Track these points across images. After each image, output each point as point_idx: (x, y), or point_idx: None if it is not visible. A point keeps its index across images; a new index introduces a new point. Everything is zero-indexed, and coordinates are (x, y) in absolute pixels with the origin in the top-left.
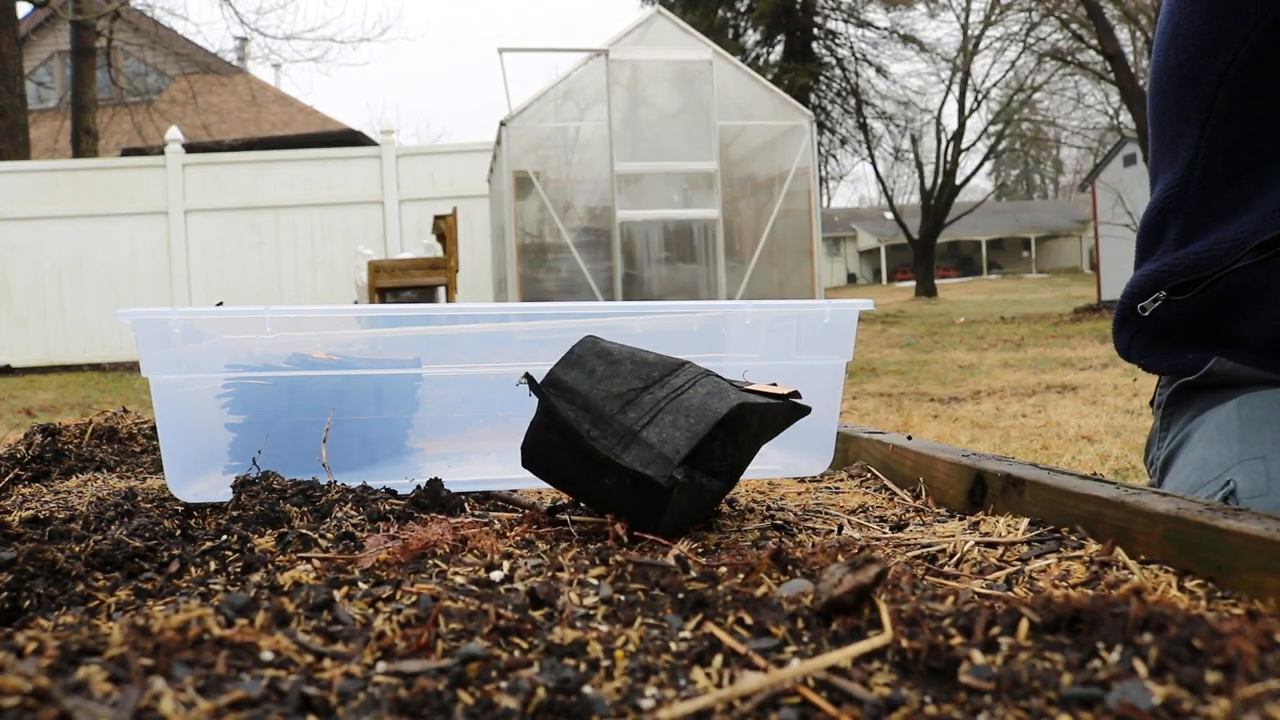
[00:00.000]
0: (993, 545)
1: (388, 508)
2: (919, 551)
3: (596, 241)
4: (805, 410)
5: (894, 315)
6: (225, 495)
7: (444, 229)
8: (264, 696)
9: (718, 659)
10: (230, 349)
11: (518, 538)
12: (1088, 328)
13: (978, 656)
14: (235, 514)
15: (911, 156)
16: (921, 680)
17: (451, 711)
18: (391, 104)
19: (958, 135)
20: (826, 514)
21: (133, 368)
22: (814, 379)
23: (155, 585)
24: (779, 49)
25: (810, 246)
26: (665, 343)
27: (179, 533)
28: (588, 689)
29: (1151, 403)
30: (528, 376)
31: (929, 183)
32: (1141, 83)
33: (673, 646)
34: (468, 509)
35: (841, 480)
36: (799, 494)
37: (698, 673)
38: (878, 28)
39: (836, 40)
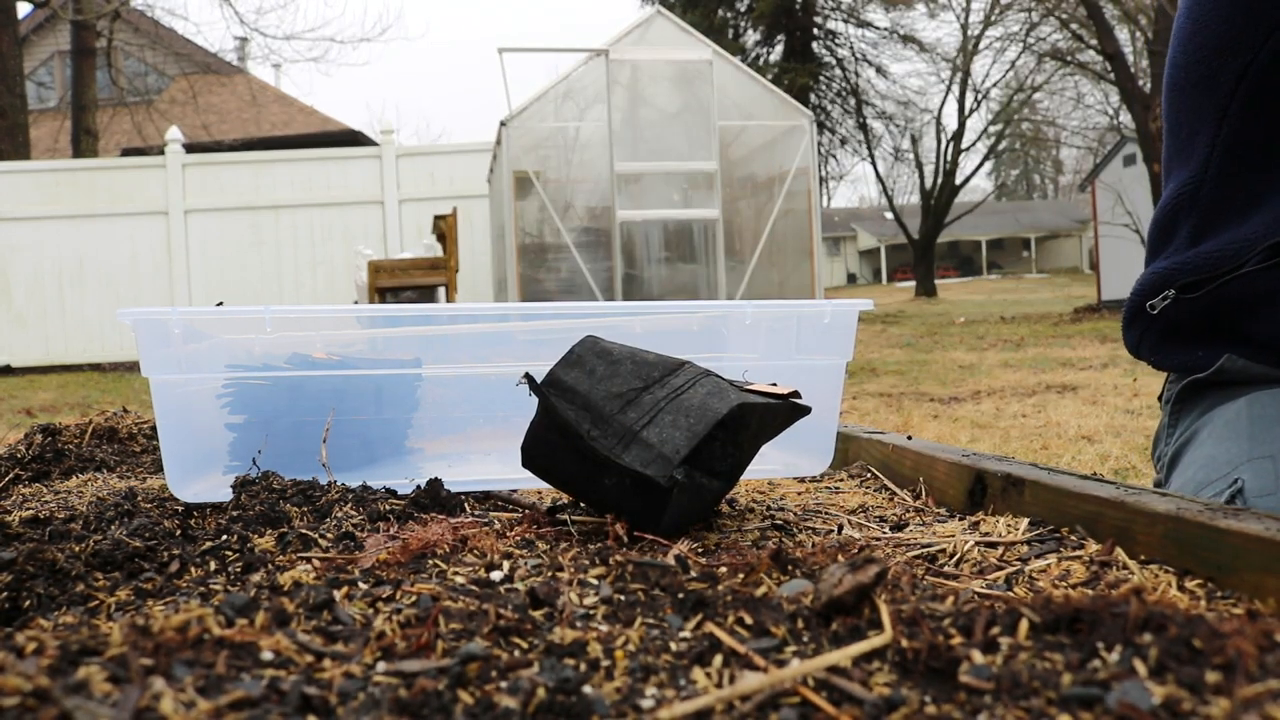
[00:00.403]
0: (993, 545)
1: (388, 508)
2: (919, 551)
3: (596, 241)
4: (805, 410)
5: (894, 315)
6: (225, 495)
7: (444, 229)
8: (264, 696)
9: (718, 659)
10: (230, 349)
11: (518, 538)
12: (1088, 328)
13: (978, 656)
14: (235, 514)
15: (911, 156)
16: (921, 680)
17: (451, 711)
18: (391, 104)
19: (958, 135)
20: (826, 514)
21: (133, 368)
22: (814, 379)
23: (155, 585)
24: (779, 49)
25: (810, 246)
26: (665, 343)
27: (179, 533)
28: (588, 689)
29: (1160, 398)
30: (528, 376)
31: (929, 183)
32: (1141, 83)
33: (673, 646)
34: (468, 509)
35: (841, 480)
36: (799, 494)
37: (698, 673)
38: (878, 28)
39: (836, 40)
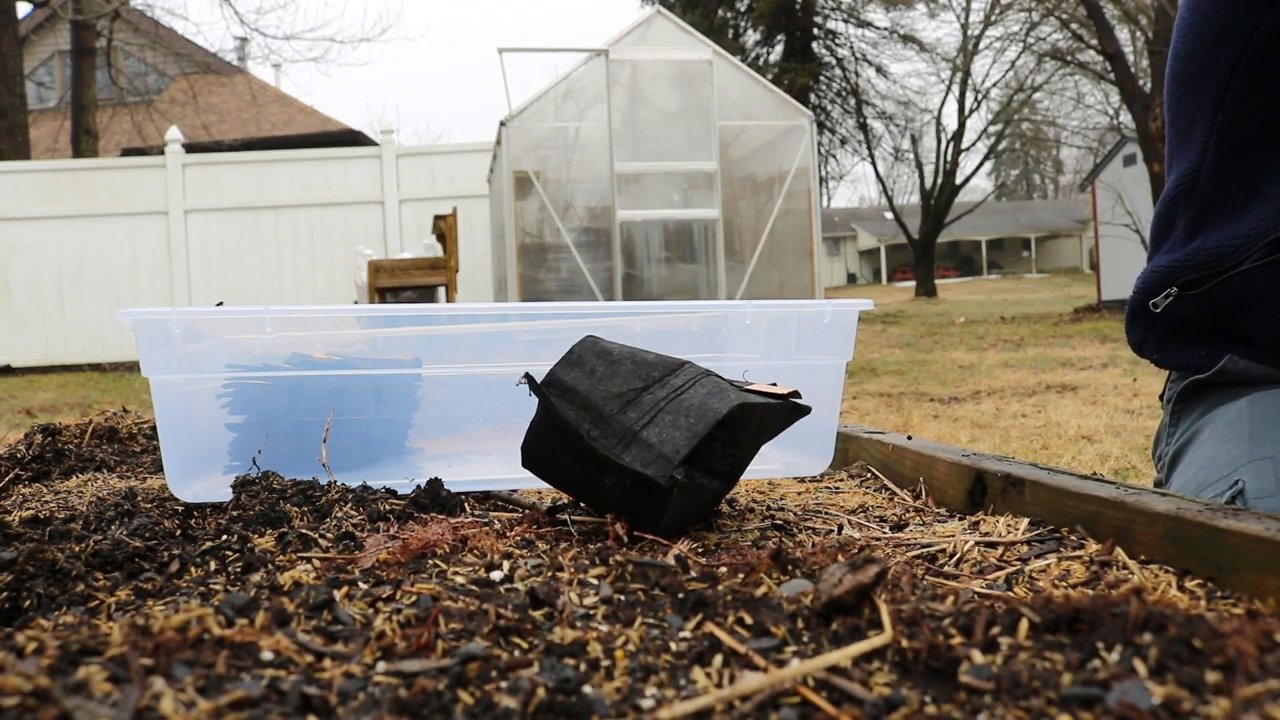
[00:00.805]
0: (993, 545)
1: (388, 508)
2: (919, 551)
3: (596, 241)
4: (805, 410)
5: (894, 315)
6: (225, 495)
7: (444, 229)
8: (264, 696)
9: (718, 659)
10: (230, 349)
11: (518, 538)
12: (1088, 328)
13: (978, 656)
14: (235, 514)
15: (911, 156)
16: (921, 680)
17: (451, 711)
18: (391, 104)
19: (958, 135)
20: (826, 514)
21: (133, 368)
22: (814, 379)
23: (155, 585)
24: (779, 49)
25: (810, 246)
26: (665, 343)
27: (179, 533)
28: (588, 689)
29: (1161, 396)
30: (528, 376)
31: (929, 183)
32: (1141, 83)
33: (673, 646)
34: (468, 509)
35: (841, 480)
36: (799, 494)
37: (698, 673)
38: (878, 28)
39: (836, 40)
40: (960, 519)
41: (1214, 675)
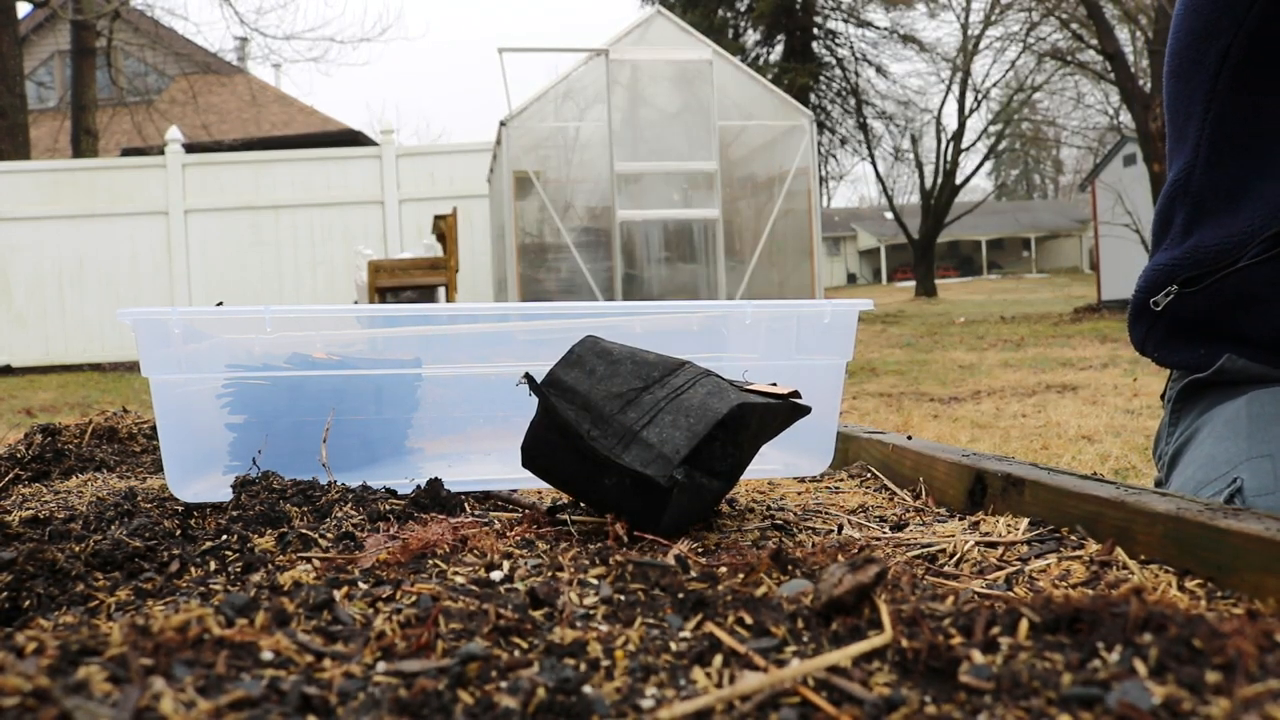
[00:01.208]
0: (993, 545)
1: (388, 508)
2: (919, 551)
3: (596, 241)
4: (805, 410)
5: (894, 315)
6: (225, 495)
7: (444, 229)
8: (264, 696)
9: (718, 659)
10: (230, 349)
11: (518, 538)
12: (1088, 328)
13: (978, 656)
14: (235, 514)
15: (911, 156)
16: (921, 680)
17: (451, 711)
18: (391, 104)
19: (958, 135)
20: (826, 514)
21: (133, 368)
22: (814, 379)
23: (155, 585)
24: (779, 49)
25: (810, 246)
26: (665, 343)
27: (179, 533)
28: (588, 689)
29: (1162, 396)
30: (528, 376)
31: (929, 183)
32: (1141, 83)
33: (673, 646)
34: (468, 509)
35: (841, 480)
36: (799, 494)
37: (698, 673)
38: (878, 28)
39: (836, 40)
40: (960, 519)
41: (1214, 675)
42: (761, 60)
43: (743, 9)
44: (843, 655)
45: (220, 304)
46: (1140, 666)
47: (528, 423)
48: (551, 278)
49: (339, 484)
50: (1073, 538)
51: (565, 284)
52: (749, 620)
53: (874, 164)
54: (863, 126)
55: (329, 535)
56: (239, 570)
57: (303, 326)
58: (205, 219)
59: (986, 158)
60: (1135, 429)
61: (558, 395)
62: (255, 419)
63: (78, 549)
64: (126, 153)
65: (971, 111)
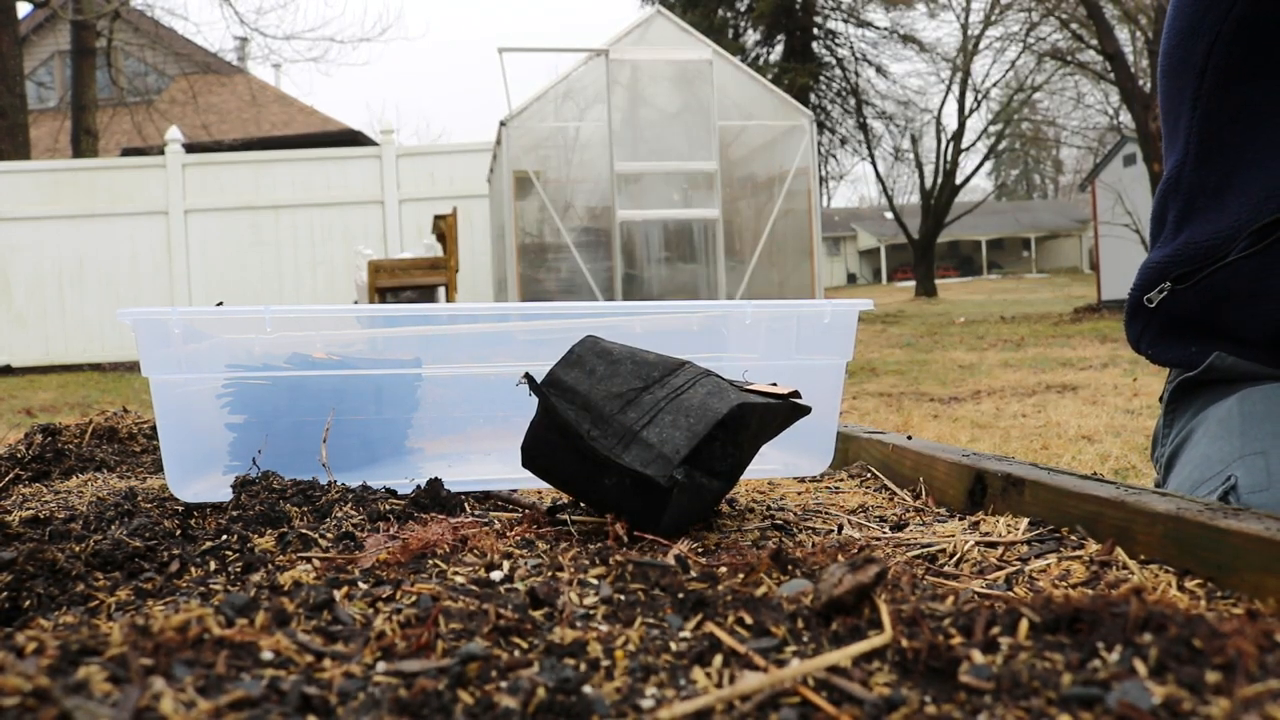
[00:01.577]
0: (993, 545)
1: (388, 508)
2: (919, 551)
3: (596, 241)
4: (805, 410)
5: (894, 315)
6: (225, 495)
7: (444, 229)
8: (264, 696)
9: (718, 659)
10: (230, 349)
11: (518, 538)
12: (1088, 328)
13: (978, 656)
14: (235, 514)
15: (911, 156)
16: (921, 680)
17: (451, 711)
18: (391, 104)
19: (958, 135)
20: (826, 514)
21: (133, 368)
22: (814, 379)
23: (155, 585)
24: (779, 49)
25: (810, 246)
26: (665, 343)
27: (179, 533)
28: (588, 689)
29: (1161, 398)
30: (528, 376)
31: (929, 183)
32: (1141, 83)
33: (673, 646)
34: (468, 509)
35: (841, 480)
36: (799, 494)
37: (698, 672)
38: (878, 28)
39: (836, 40)
40: (960, 519)
41: (1214, 675)
42: (761, 60)
43: (743, 9)
44: (843, 655)
45: (220, 304)
46: (1140, 666)
47: (528, 423)
48: (551, 278)
49: (339, 484)
50: (1073, 538)
51: (565, 284)
52: (749, 620)
53: (874, 164)
54: (863, 126)
55: (329, 535)
56: (239, 570)
57: (303, 326)
58: (205, 219)
59: (986, 158)
60: (1135, 429)
61: (558, 395)
62: (255, 419)
63: (78, 549)
64: (126, 153)
65: (971, 111)
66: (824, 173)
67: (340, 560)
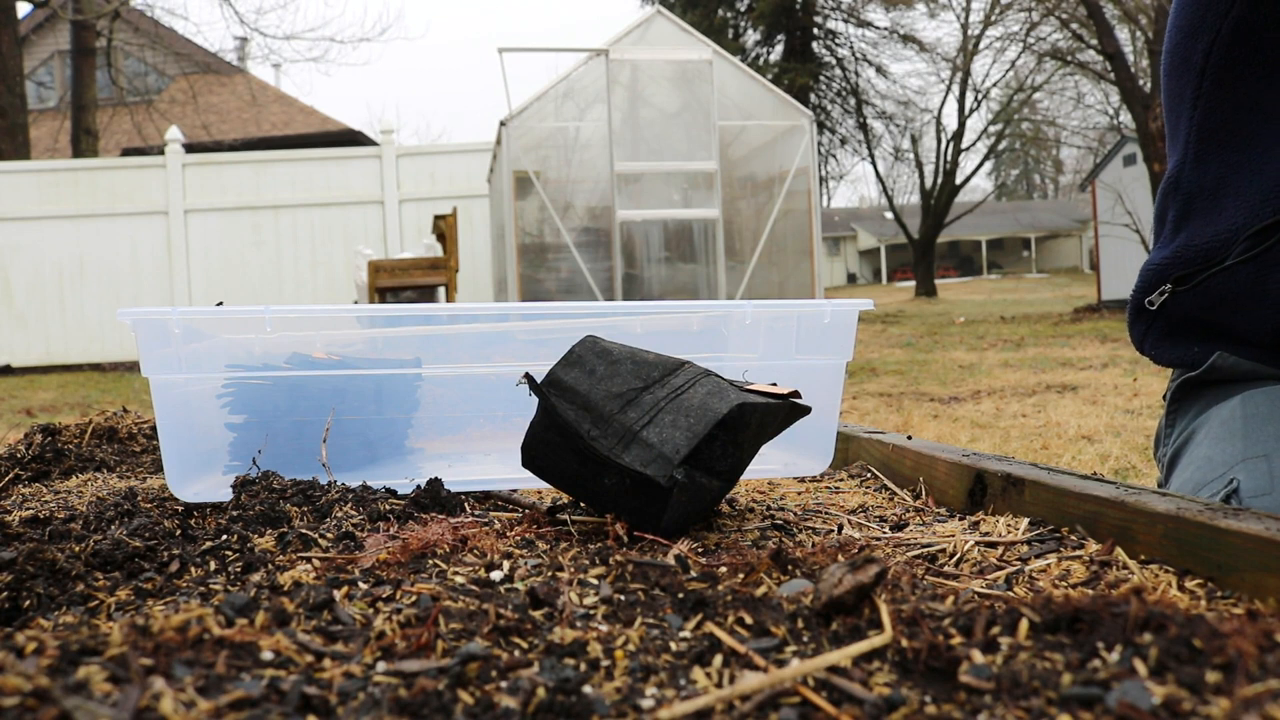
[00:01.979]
0: (993, 545)
1: (388, 508)
2: (919, 551)
3: (596, 241)
4: (805, 410)
5: (894, 315)
6: (225, 495)
7: (444, 229)
8: (264, 696)
9: (718, 659)
10: (230, 349)
11: (518, 538)
12: (1088, 328)
13: (978, 656)
14: (235, 514)
15: (911, 156)
16: (921, 680)
17: (451, 711)
18: (391, 104)
19: (958, 135)
20: (826, 514)
21: (133, 368)
22: (814, 379)
23: (155, 585)
24: (779, 49)
25: (810, 246)
26: (665, 343)
27: (179, 533)
28: (588, 689)
29: (1164, 397)
30: (528, 376)
31: (929, 183)
32: (1141, 82)
33: (673, 646)
34: (468, 509)
35: (841, 480)
36: (799, 494)
37: (698, 672)
38: (878, 28)
39: (836, 40)
40: (960, 519)
41: (1214, 675)
42: (761, 60)
43: (743, 9)
44: (843, 655)
45: (220, 304)
46: (1140, 666)
47: (528, 423)
48: (551, 278)
49: (339, 484)
50: (1073, 538)
51: (565, 284)
52: (749, 620)
53: (874, 164)
54: (863, 126)
55: (329, 535)
56: (239, 570)
57: (303, 326)
58: (205, 219)
59: (986, 158)
60: (1135, 429)
61: (558, 395)
62: (255, 419)
63: (78, 549)
64: (126, 153)
65: (971, 111)
66: (824, 173)
67: (340, 560)
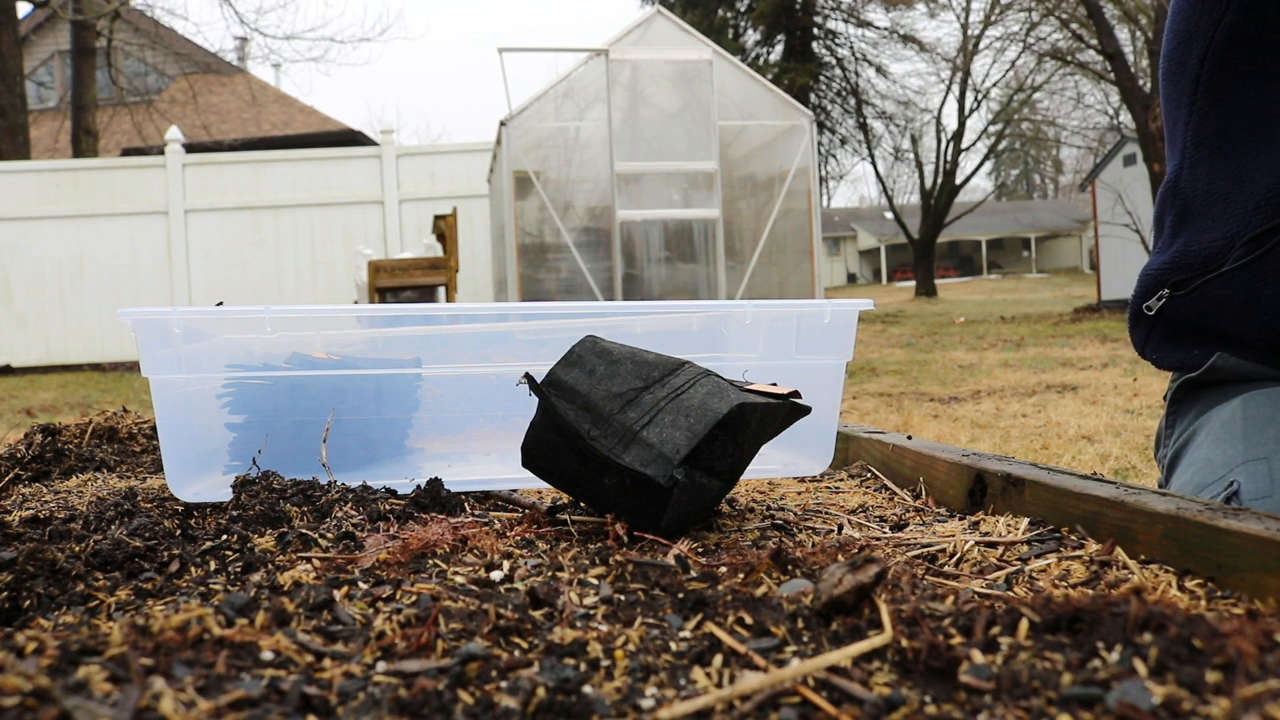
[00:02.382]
0: (993, 545)
1: (388, 507)
2: (919, 551)
3: (596, 241)
4: (805, 410)
5: (894, 315)
6: (225, 495)
7: (444, 229)
8: (264, 696)
9: (718, 659)
10: (230, 349)
11: (518, 538)
12: (1088, 328)
13: (978, 656)
14: (235, 514)
15: (911, 156)
16: (921, 680)
17: (451, 711)
18: (391, 104)
19: (958, 135)
20: (826, 514)
21: (133, 368)
22: (814, 379)
23: (155, 585)
24: (779, 49)
25: (810, 246)
26: (665, 343)
27: (179, 533)
28: (588, 689)
29: (1165, 397)
30: (528, 376)
31: (929, 183)
32: (1141, 82)
33: (673, 646)
34: (468, 509)
35: (841, 480)
36: (799, 494)
37: (698, 672)
38: (878, 27)
39: (836, 40)
40: (960, 519)
41: (1214, 675)
42: (761, 60)
43: (743, 9)
44: (843, 655)
45: (220, 304)
46: (1140, 666)
47: (528, 423)
48: (551, 278)
49: (339, 484)
50: (1073, 538)
51: (565, 284)
52: (749, 620)
53: (874, 164)
54: (863, 126)
55: (329, 535)
56: (239, 570)
57: (303, 326)
58: (205, 219)
59: (986, 158)
60: (1135, 429)
61: (558, 395)
62: (255, 419)
63: (78, 549)
64: (126, 153)
65: (971, 111)
66: (824, 173)
67: (340, 560)
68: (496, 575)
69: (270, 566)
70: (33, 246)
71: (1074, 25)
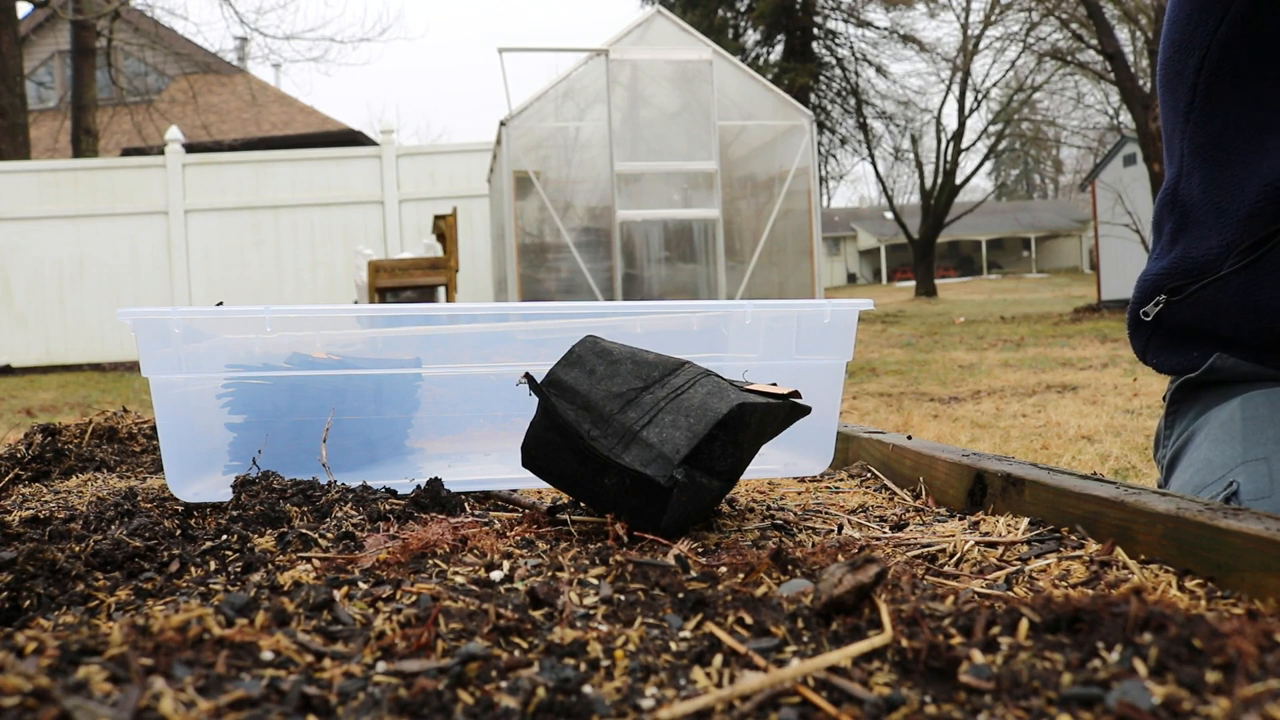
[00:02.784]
0: (993, 545)
1: (388, 507)
2: (919, 551)
3: (596, 241)
4: (805, 410)
5: (894, 315)
6: (225, 495)
7: (444, 229)
8: (264, 696)
9: (718, 659)
10: (230, 349)
11: (518, 538)
12: (1088, 328)
13: (978, 656)
14: (235, 514)
15: (911, 156)
16: (921, 680)
17: (451, 711)
18: (391, 104)
19: (958, 135)
20: (826, 514)
21: (133, 368)
22: (814, 379)
23: (155, 585)
24: (779, 49)
25: (810, 246)
26: (665, 343)
27: (179, 533)
28: (588, 689)
29: (1164, 397)
30: (528, 376)
31: (929, 183)
32: (1141, 82)
33: (673, 646)
34: (468, 509)
35: (841, 480)
36: (799, 494)
37: (698, 672)
38: (878, 28)
39: (836, 40)
40: (960, 519)
41: (1214, 675)
42: (761, 60)
43: (743, 9)
44: (843, 655)
45: (220, 304)
46: (1140, 666)
47: (528, 423)
48: (551, 278)
49: (339, 484)
50: (1073, 538)
51: (565, 284)
52: (749, 620)
53: (874, 164)
54: (863, 126)
55: (329, 535)
56: (239, 570)
57: (303, 326)
58: (205, 219)
59: (986, 158)
60: (1135, 429)
61: (558, 395)
62: (255, 419)
63: (78, 549)
64: (126, 153)
65: (971, 111)
66: (824, 173)
67: (340, 560)
68: (496, 575)
69: (270, 566)
70: (33, 246)
71: (1074, 25)
